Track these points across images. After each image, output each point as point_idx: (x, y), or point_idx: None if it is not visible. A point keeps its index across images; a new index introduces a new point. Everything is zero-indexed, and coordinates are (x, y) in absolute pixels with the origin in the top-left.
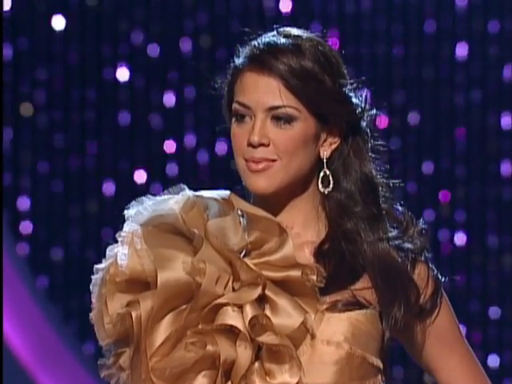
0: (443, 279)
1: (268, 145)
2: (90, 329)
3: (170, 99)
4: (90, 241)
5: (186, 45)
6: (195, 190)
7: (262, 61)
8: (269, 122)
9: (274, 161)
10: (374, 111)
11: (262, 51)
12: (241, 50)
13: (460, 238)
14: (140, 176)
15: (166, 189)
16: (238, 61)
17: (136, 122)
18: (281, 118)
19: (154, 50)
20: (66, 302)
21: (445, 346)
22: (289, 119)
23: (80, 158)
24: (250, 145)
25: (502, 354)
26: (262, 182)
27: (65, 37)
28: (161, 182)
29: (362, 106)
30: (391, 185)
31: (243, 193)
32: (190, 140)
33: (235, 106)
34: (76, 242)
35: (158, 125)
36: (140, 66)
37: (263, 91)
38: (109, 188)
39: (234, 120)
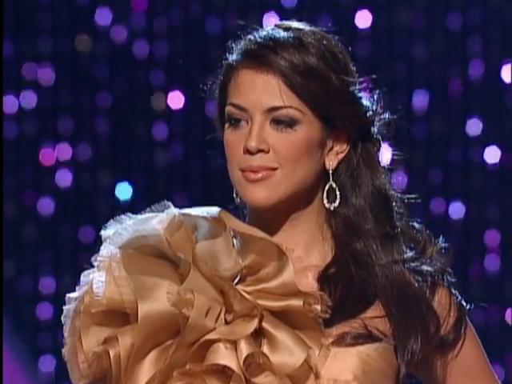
0: (468, 306)
1: (267, 151)
2: (64, 368)
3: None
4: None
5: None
6: (185, 207)
7: (260, 56)
8: (268, 126)
9: (274, 169)
10: (387, 115)
11: (260, 45)
12: (234, 45)
13: None
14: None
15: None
16: (232, 57)
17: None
18: (281, 122)
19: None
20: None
21: (471, 383)
22: (291, 122)
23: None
24: (248, 151)
25: None
26: (261, 193)
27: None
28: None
29: (374, 108)
30: (406, 200)
31: (236, 212)
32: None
33: (229, 108)
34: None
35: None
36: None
37: (261, 90)
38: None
39: (227, 125)
